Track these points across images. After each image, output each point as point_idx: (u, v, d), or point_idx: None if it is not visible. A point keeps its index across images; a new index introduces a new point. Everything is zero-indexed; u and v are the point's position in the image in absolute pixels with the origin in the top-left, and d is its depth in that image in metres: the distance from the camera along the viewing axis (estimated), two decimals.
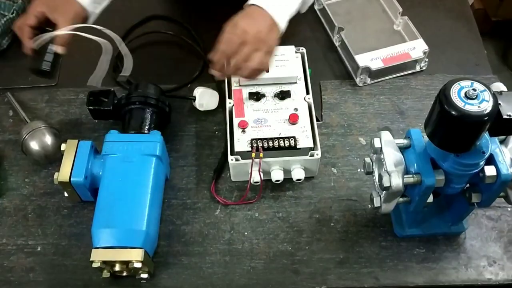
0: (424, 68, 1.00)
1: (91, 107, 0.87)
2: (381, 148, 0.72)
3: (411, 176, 0.69)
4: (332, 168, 0.89)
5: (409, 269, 0.80)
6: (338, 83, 0.99)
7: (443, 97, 0.61)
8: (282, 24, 0.80)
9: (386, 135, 0.73)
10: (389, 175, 0.69)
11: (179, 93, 0.97)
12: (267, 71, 0.82)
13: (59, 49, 0.86)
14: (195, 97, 0.93)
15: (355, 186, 0.87)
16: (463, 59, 1.04)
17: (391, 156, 0.71)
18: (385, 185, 0.69)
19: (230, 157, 0.82)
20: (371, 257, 0.80)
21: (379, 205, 0.74)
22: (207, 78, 0.99)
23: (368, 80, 0.98)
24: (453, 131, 0.62)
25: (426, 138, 0.70)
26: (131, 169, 0.79)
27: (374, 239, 0.82)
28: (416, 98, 0.97)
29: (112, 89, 0.89)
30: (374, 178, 0.76)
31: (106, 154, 0.79)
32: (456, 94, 0.60)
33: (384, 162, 0.71)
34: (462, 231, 0.83)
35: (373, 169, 0.76)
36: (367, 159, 0.77)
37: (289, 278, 0.79)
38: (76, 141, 0.81)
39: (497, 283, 0.79)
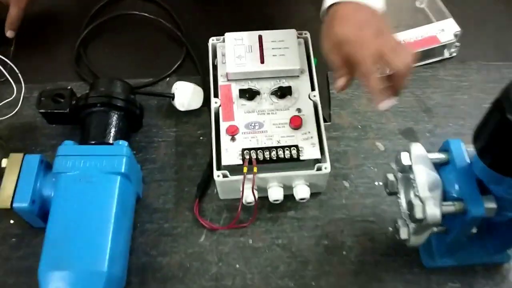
0: (454, 54, 0.82)
1: (42, 110, 0.70)
2: (410, 165, 0.55)
3: (451, 203, 0.53)
4: (344, 181, 0.73)
5: None
6: None
7: (506, 102, 0.43)
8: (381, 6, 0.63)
9: (417, 148, 0.56)
10: (423, 203, 0.52)
11: (155, 89, 0.80)
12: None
13: (8, 33, 0.79)
14: (174, 94, 0.75)
15: (372, 203, 0.71)
16: (503, 43, 0.86)
17: (424, 176, 0.54)
18: (417, 216, 0.52)
19: (216, 173, 0.65)
20: None
21: (407, 237, 0.57)
22: (190, 71, 0.82)
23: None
24: None
25: (470, 152, 0.54)
26: (90, 191, 0.62)
27: (397, 271, 0.66)
28: (445, 91, 0.80)
29: (69, 87, 0.71)
30: (399, 201, 0.59)
31: (58, 172, 0.63)
32: None
33: (415, 185, 0.54)
34: (507, 261, 0.66)
35: (397, 189, 0.59)
36: (390, 177, 0.60)
37: None
38: (21, 155, 0.64)
39: None
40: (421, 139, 0.76)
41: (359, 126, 0.77)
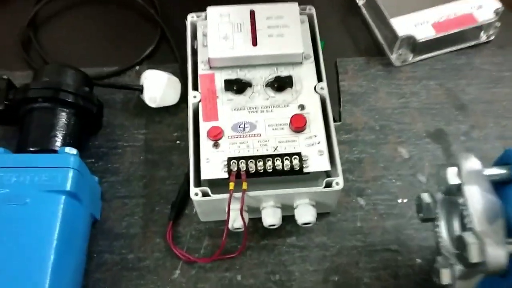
0: (492, 37, 0.66)
1: None
2: (459, 185, 0.40)
3: None
4: (358, 198, 0.57)
5: None
6: (363, 62, 0.66)
7: None
8: None
9: (470, 162, 0.40)
10: (480, 241, 0.37)
11: (121, 80, 0.64)
12: None
13: None
14: (142, 86, 0.60)
15: (395, 227, 0.55)
16: None
17: (481, 201, 0.39)
18: (473, 261, 0.37)
19: (193, 190, 0.49)
20: None
21: (450, 282, 0.42)
22: (165, 57, 0.66)
23: (410, 57, 0.65)
24: None
25: None
26: (24, 216, 0.46)
27: None
28: (484, 84, 0.64)
29: (5, 77, 0.55)
30: (438, 230, 0.44)
31: None
32: None
33: (466, 213, 0.39)
34: None
35: (436, 215, 0.44)
36: (426, 198, 0.45)
37: None
38: None
39: None
40: (454, 143, 0.60)
41: (377, 127, 0.61)
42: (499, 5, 0.64)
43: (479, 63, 0.65)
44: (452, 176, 0.40)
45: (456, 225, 0.41)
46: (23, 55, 0.65)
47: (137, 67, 0.65)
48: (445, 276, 0.42)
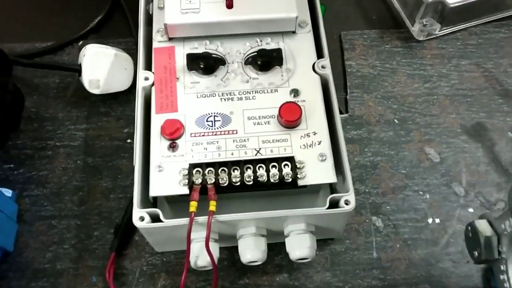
0: None
1: None
2: None
3: None
4: (374, 218, 0.42)
5: None
6: (376, 36, 0.51)
7: None
8: None
9: None
10: None
11: (57, 59, 0.49)
12: None
13: None
14: (80, 65, 0.44)
15: (425, 258, 0.40)
16: None
17: None
18: None
19: (136, 213, 0.34)
20: None
21: None
22: (116, 28, 0.51)
23: (437, 29, 0.50)
24: None
25: None
26: None
27: None
28: None
29: None
30: (504, 279, 0.28)
31: None
32: None
33: None
34: None
35: (502, 256, 0.29)
36: (483, 227, 0.29)
37: None
38: None
39: None
40: (499, 141, 0.45)
41: (396, 121, 0.46)
42: None
43: None
44: None
45: None
46: None
47: (80, 42, 0.50)
48: None
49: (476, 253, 0.30)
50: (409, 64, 0.49)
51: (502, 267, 0.29)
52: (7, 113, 0.41)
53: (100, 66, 0.44)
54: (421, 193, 0.43)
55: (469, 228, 0.30)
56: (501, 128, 0.46)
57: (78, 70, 0.44)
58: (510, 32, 0.51)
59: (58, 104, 0.46)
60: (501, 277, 0.29)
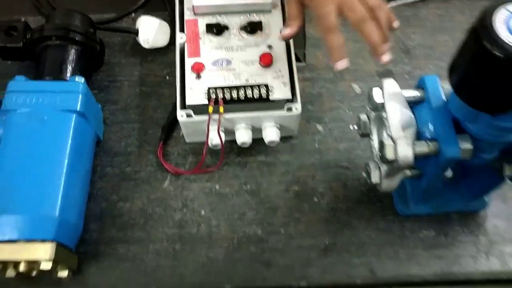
0: None
1: None
2: (383, 103, 0.51)
3: (425, 143, 0.49)
4: (317, 125, 0.69)
5: (414, 258, 0.61)
6: None
7: (481, 29, 0.40)
8: None
9: (390, 85, 0.52)
10: (394, 143, 0.49)
11: (118, 25, 0.75)
12: None
13: None
14: (138, 30, 0.70)
15: (347, 148, 0.67)
16: None
17: (397, 114, 0.51)
18: (388, 157, 0.49)
19: (179, 112, 0.61)
20: (366, 243, 0.62)
21: (379, 181, 0.54)
22: (157, 6, 0.77)
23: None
24: (494, 81, 0.41)
25: (447, 89, 0.50)
26: (42, 130, 0.58)
27: (370, 219, 0.63)
28: (427, 32, 0.75)
29: (23, 19, 0.66)
30: (372, 143, 0.56)
31: (7, 109, 0.58)
32: (502, 24, 0.39)
33: (386, 124, 0.51)
34: (483, 207, 0.64)
35: (370, 130, 0.56)
36: (363, 117, 0.56)
37: (259, 273, 0.60)
38: None
39: None
40: (399, 81, 0.71)
41: None
42: None
43: (424, 15, 0.77)
44: (377, 96, 0.51)
45: (382, 135, 0.53)
46: (33, 2, 0.75)
47: (133, 14, 0.76)
48: (375, 176, 0.54)
49: (359, 131, 0.56)
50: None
51: (371, 136, 0.55)
52: (96, 58, 0.68)
53: (149, 30, 0.70)
54: (347, 111, 0.70)
55: (357, 117, 0.57)
56: (401, 73, 0.72)
57: (135, 32, 0.71)
58: (414, 11, 0.77)
59: (121, 55, 0.73)
60: (371, 143, 0.55)
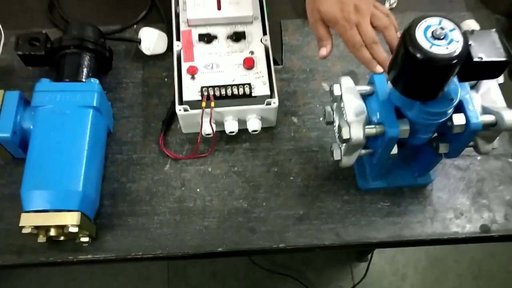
0: (394, 5, 0.92)
1: (20, 52, 0.77)
2: (341, 95, 0.65)
3: (373, 126, 0.63)
4: (293, 117, 0.82)
5: (372, 224, 0.75)
6: (300, 22, 0.90)
7: (407, 37, 0.53)
8: None
9: (346, 81, 0.65)
10: (349, 126, 0.62)
11: (123, 35, 0.87)
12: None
13: None
14: (140, 39, 0.83)
15: (317, 136, 0.81)
16: None
17: (352, 104, 0.64)
18: (344, 137, 0.62)
19: (178, 107, 0.74)
20: (333, 212, 0.75)
21: (339, 158, 0.68)
22: (155, 18, 0.90)
23: None
24: (418, 76, 0.55)
25: (390, 85, 0.63)
26: (65, 123, 0.70)
27: (336, 193, 0.77)
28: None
29: (44, 32, 0.78)
30: (335, 129, 0.69)
31: (36, 106, 0.71)
32: (422, 34, 0.53)
33: (344, 112, 0.64)
34: (428, 182, 0.77)
35: (333, 118, 0.69)
36: (328, 108, 0.70)
37: (245, 237, 0.73)
38: (2, 91, 0.72)
39: (464, 236, 0.75)
40: (361, 80, 0.85)
41: (308, 69, 0.86)
42: None
43: None
44: (336, 89, 0.65)
45: (341, 121, 0.66)
46: (49, 16, 0.88)
47: (135, 26, 0.89)
48: (336, 155, 0.68)
49: (325, 120, 0.69)
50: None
51: (334, 124, 0.68)
52: (106, 63, 0.80)
53: (150, 40, 0.83)
54: (318, 106, 0.83)
55: (323, 109, 0.70)
56: (363, 73, 0.86)
57: (138, 41, 0.83)
58: None
59: (126, 60, 0.86)
60: (334, 129, 0.69)
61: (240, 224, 0.74)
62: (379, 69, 0.67)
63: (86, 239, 0.68)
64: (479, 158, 0.79)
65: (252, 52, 0.78)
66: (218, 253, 0.72)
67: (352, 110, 0.63)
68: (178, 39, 0.79)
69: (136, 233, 0.73)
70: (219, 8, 0.79)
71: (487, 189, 0.77)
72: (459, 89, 0.60)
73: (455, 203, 0.76)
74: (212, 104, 0.73)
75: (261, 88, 0.75)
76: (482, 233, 0.75)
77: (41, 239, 0.67)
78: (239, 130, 0.77)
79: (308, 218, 0.75)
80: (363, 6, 0.68)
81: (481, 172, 0.79)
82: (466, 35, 0.53)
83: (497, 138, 0.66)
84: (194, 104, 0.74)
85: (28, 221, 0.64)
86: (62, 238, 0.68)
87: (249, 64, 0.76)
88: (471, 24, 0.65)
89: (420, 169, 0.76)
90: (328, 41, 0.71)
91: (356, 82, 0.66)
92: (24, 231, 0.64)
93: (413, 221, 0.75)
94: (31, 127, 0.70)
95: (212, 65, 0.77)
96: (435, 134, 0.67)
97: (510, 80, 0.83)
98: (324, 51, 0.71)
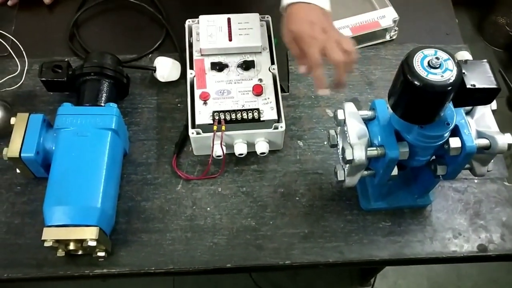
0: (394, 37, 0.97)
1: (43, 79, 0.82)
2: (344, 120, 0.70)
3: (374, 148, 0.67)
4: (298, 141, 0.87)
5: (374, 242, 0.78)
6: None
7: (405, 66, 0.58)
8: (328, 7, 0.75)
9: (349, 106, 0.70)
10: (352, 148, 0.67)
11: (139, 63, 0.93)
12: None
13: (9, 2, 0.97)
14: (155, 67, 0.88)
15: (321, 159, 0.85)
16: (434, 28, 1.01)
17: (355, 128, 0.69)
18: (347, 158, 0.67)
19: (191, 130, 0.79)
20: (336, 231, 0.79)
21: (343, 178, 0.72)
22: (169, 48, 0.95)
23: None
24: (415, 101, 0.60)
25: (391, 110, 0.68)
26: (85, 144, 0.75)
27: (340, 213, 0.81)
28: (386, 68, 0.95)
29: (66, 59, 0.84)
30: (338, 151, 0.74)
31: (58, 128, 0.75)
32: (419, 63, 0.58)
33: (347, 135, 0.69)
34: (428, 203, 0.81)
35: (337, 141, 0.74)
36: (332, 132, 0.74)
37: (253, 254, 0.77)
38: (27, 114, 0.77)
39: (462, 255, 0.78)
40: (363, 106, 0.90)
41: (312, 96, 0.91)
42: (396, 15, 0.94)
43: (384, 54, 0.96)
44: (340, 114, 0.69)
45: (344, 143, 0.71)
46: (69, 46, 0.94)
47: (150, 55, 0.94)
48: (340, 175, 0.72)
49: (330, 142, 0.74)
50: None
51: (338, 146, 0.73)
52: (123, 89, 0.86)
53: (165, 68, 0.88)
54: (322, 130, 0.88)
55: (328, 132, 0.75)
56: (365, 100, 0.91)
57: (153, 69, 0.89)
58: (375, 52, 0.96)
59: (141, 87, 0.91)
60: (338, 151, 0.73)
61: (248, 241, 0.78)
62: (323, 91, 0.72)
63: (102, 253, 0.72)
64: (476, 181, 0.84)
65: (260, 80, 0.83)
66: (227, 269, 0.76)
67: (355, 133, 0.68)
68: (191, 67, 0.84)
69: (150, 249, 0.76)
70: (230, 39, 0.84)
71: (484, 211, 0.81)
72: (454, 115, 0.64)
73: (454, 223, 0.80)
74: (223, 127, 0.78)
75: (269, 113, 0.80)
76: (480, 252, 0.78)
77: (60, 253, 0.71)
78: (247, 152, 0.81)
79: (313, 236, 0.78)
80: (330, 29, 0.72)
81: (478, 194, 0.83)
82: (459, 64, 0.58)
83: (492, 161, 0.71)
84: (206, 128, 0.79)
85: (50, 235, 0.68)
86: (80, 252, 0.72)
87: (258, 90, 0.81)
88: (464, 54, 0.70)
89: (420, 191, 0.80)
90: (304, 59, 0.73)
91: (359, 108, 0.71)
92: (46, 244, 0.68)
93: (413, 240, 0.79)
94: (53, 147, 0.75)
95: (223, 91, 0.82)
96: (433, 157, 0.71)
97: (510, 111, 0.88)
98: (303, 69, 0.74)
